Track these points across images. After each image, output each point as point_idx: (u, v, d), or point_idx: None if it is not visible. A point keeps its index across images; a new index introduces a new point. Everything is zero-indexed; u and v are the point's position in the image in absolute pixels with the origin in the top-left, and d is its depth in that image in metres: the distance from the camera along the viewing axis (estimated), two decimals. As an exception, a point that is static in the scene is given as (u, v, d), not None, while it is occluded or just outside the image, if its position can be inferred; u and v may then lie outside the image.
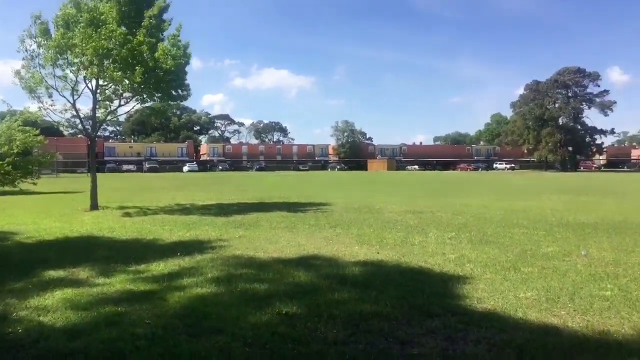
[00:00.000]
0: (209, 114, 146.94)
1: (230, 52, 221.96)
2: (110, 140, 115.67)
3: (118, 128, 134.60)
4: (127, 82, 14.10)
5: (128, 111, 17.52)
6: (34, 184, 28.54)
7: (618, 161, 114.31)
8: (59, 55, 14.35)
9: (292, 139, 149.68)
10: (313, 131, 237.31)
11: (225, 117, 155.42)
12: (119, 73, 13.65)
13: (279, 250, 8.49)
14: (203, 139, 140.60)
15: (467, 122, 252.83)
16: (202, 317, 4.96)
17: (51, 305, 5.43)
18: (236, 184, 37.77)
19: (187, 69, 15.45)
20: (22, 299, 5.68)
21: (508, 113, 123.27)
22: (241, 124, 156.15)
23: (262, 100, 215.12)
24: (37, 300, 5.62)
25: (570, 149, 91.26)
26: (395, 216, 13.11)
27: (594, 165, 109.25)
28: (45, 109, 15.13)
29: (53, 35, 14.39)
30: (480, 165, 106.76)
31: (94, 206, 15.59)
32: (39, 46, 14.61)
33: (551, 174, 67.15)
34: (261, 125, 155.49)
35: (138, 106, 16.67)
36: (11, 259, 7.98)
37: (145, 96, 16.10)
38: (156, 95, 15.69)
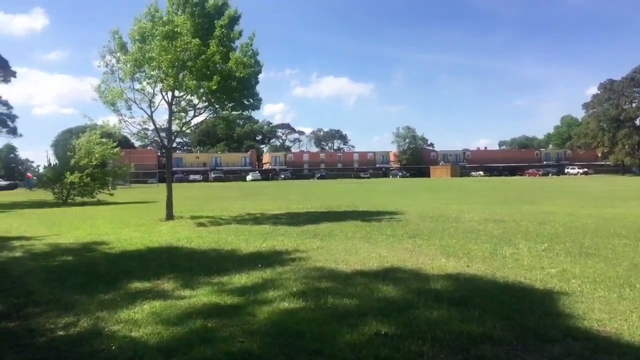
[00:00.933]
0: (271, 123, 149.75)
1: (290, 61, 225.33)
2: (177, 151, 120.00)
3: (185, 139, 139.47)
4: (202, 91, 14.30)
5: (201, 122, 17.78)
6: (111, 194, 29.90)
7: None
8: (136, 69, 14.80)
9: (353, 147, 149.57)
10: (372, 138, 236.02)
11: (286, 126, 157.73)
12: (194, 82, 13.87)
13: (361, 262, 8.15)
14: (265, 148, 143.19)
15: (533, 125, 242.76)
16: (295, 335, 4.69)
17: (141, 320, 5.35)
18: (301, 192, 37.88)
19: (259, 77, 15.51)
20: (112, 313, 5.65)
21: (579, 114, 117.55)
22: (301, 133, 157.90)
23: (322, 109, 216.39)
24: (126, 314, 5.57)
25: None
26: (476, 225, 12.44)
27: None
28: (124, 122, 15.66)
29: (130, 50, 14.87)
30: (551, 170, 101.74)
31: (169, 216, 15.91)
32: (117, 61, 15.16)
33: (630, 179, 62.92)
34: (321, 133, 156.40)
35: (211, 117, 16.89)
36: (98, 270, 8.09)
37: (217, 106, 16.34)
38: (228, 104, 15.84)
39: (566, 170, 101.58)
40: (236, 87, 14.68)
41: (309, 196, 31.17)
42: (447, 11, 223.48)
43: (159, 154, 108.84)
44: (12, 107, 59.06)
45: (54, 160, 34.88)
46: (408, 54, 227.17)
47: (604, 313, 5.11)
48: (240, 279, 7.12)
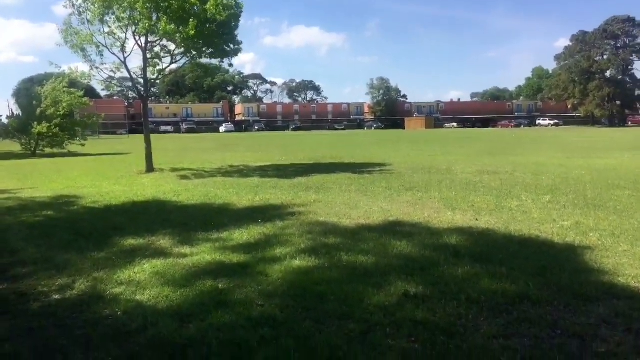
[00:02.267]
0: (242, 74, 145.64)
1: (260, 9, 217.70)
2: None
3: (153, 90, 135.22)
4: (178, 36, 13.33)
5: (179, 68, 16.79)
6: (82, 145, 28.72)
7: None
8: (106, 10, 13.66)
9: (326, 98, 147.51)
10: (345, 90, 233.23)
11: (258, 77, 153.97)
12: (172, 26, 12.89)
13: (364, 216, 7.82)
14: (236, 99, 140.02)
15: (504, 77, 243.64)
16: (317, 297, 4.34)
17: (144, 281, 4.92)
18: (279, 144, 37.22)
19: (239, 20, 14.55)
20: (110, 273, 5.20)
21: (550, 66, 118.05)
22: (273, 84, 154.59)
23: (294, 59, 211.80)
24: (126, 274, 5.14)
25: (618, 103, 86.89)
26: (471, 177, 12.23)
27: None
28: (95, 68, 14.59)
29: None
30: (523, 121, 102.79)
31: (150, 168, 15.24)
32: (85, 0, 13.96)
33: (602, 130, 64.13)
34: (294, 84, 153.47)
35: (188, 64, 15.95)
36: (84, 226, 7.55)
37: (195, 53, 15.37)
38: (207, 51, 14.91)
39: (537, 122, 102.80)
40: (215, 31, 13.76)
41: (289, 148, 30.59)
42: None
43: (126, 104, 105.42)
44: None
45: (16, 110, 33.14)
46: (381, 4, 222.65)
47: (635, 269, 4.90)
48: (242, 235, 6.71)
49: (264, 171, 15.22)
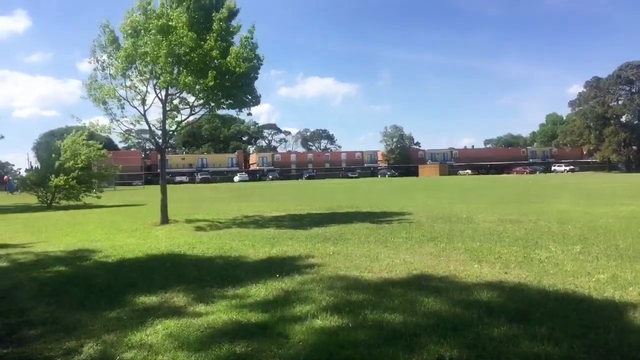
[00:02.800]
0: (257, 124, 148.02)
1: (276, 62, 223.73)
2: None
3: (170, 141, 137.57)
4: (198, 87, 13.48)
5: (197, 120, 16.93)
6: (98, 197, 28.83)
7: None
8: (128, 65, 13.93)
9: (340, 147, 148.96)
10: (358, 138, 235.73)
11: (272, 127, 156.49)
12: (191, 78, 13.04)
13: (386, 269, 7.47)
14: (251, 148, 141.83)
15: (517, 123, 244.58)
16: (345, 363, 3.98)
17: (157, 344, 4.60)
18: (293, 193, 37.10)
19: (258, 72, 14.74)
20: (121, 335, 4.89)
21: (563, 113, 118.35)
22: (288, 133, 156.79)
23: (308, 109, 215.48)
24: (138, 337, 4.82)
25: (634, 148, 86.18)
26: (494, 227, 11.84)
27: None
28: (116, 121, 14.75)
29: (122, 45, 14.00)
30: (538, 167, 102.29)
31: (165, 220, 15.08)
32: (109, 56, 14.28)
33: (619, 175, 63.27)
34: (308, 133, 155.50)
35: (206, 115, 16.07)
36: (96, 282, 7.30)
37: (213, 104, 15.50)
38: (225, 102, 15.04)
39: (553, 168, 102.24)
40: (235, 82, 13.90)
41: (304, 197, 30.41)
42: (430, 10, 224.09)
43: (143, 155, 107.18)
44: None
45: (35, 163, 33.65)
46: (393, 54, 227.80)
47: (690, 328, 4.49)
48: (259, 291, 6.39)
49: (280, 221, 14.97)
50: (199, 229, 13.75)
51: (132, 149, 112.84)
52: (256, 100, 15.53)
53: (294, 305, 5.68)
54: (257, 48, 14.47)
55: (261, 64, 14.62)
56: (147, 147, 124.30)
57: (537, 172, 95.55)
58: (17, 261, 9.38)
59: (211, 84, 13.47)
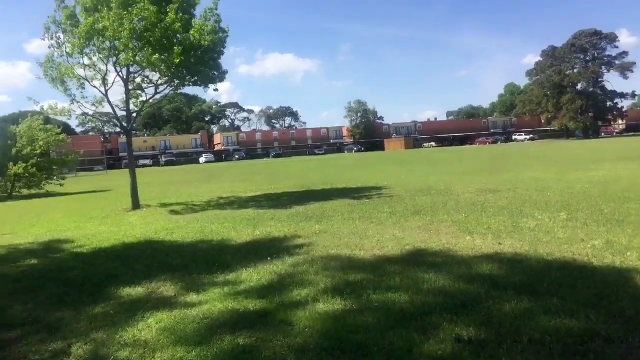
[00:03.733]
0: (219, 103, 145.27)
1: (235, 39, 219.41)
2: (121, 136, 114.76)
3: (124, 124, 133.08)
4: (163, 66, 12.80)
5: (162, 99, 16.19)
6: (61, 185, 27.69)
7: (639, 125, 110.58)
8: (87, 42, 13.11)
9: (304, 124, 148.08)
10: (321, 114, 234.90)
11: (235, 105, 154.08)
12: (157, 56, 12.37)
13: (378, 246, 7.29)
14: (215, 128, 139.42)
15: (477, 95, 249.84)
16: (358, 350, 3.77)
17: (152, 341, 4.29)
18: (264, 172, 36.60)
19: (225, 44, 14.11)
20: (111, 332, 4.55)
21: (522, 83, 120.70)
22: (251, 111, 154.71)
23: (269, 87, 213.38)
24: (130, 333, 4.49)
25: (591, 115, 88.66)
26: (474, 197, 11.83)
27: (615, 131, 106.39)
28: (77, 102, 13.93)
29: (80, 21, 13.14)
30: (499, 138, 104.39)
31: (136, 205, 14.51)
32: (65, 33, 13.39)
33: (579, 142, 65.15)
34: (271, 111, 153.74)
35: (172, 92, 15.39)
36: (74, 276, 6.86)
37: (177, 81, 14.82)
38: (191, 78, 14.40)
39: (514, 137, 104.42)
40: (200, 57, 13.28)
41: (275, 176, 30.01)
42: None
43: (102, 139, 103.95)
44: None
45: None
46: (352, 28, 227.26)
47: (698, 292, 4.46)
48: (251, 276, 6.11)
49: (257, 202, 14.62)
50: (174, 213, 13.29)
51: (91, 133, 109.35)
52: (222, 76, 14.94)
53: (291, 290, 5.43)
54: (222, 21, 13.84)
55: (227, 37, 13.99)
56: (106, 131, 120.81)
57: (499, 142, 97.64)
58: (-17, 257, 8.77)
59: (177, 61, 12.82)
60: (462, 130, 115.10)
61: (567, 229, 7.50)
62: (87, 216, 13.87)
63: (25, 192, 27.32)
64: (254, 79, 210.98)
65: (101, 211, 14.91)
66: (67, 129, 64.98)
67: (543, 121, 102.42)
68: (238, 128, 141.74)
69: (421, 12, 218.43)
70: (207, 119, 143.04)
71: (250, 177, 30.85)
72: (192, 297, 5.47)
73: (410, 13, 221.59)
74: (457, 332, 3.94)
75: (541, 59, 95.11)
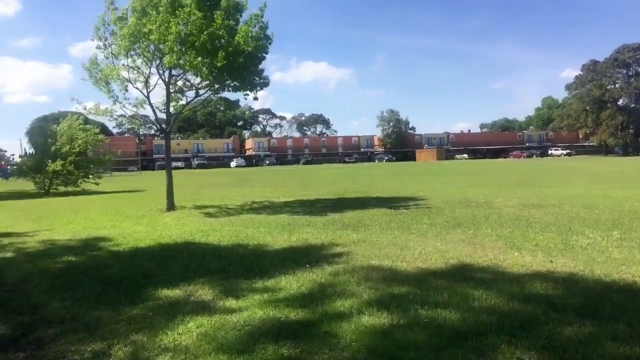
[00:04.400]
0: (252, 109, 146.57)
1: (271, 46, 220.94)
2: (155, 138, 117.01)
3: (164, 126, 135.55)
4: (205, 69, 12.82)
5: (202, 103, 16.31)
6: (97, 184, 28.20)
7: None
8: (133, 44, 13.27)
9: (335, 131, 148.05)
10: (352, 123, 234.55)
11: (267, 112, 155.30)
12: (200, 59, 12.39)
13: (420, 258, 7.02)
14: (246, 133, 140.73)
15: (511, 108, 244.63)
16: (413, 369, 3.54)
17: (193, 346, 4.15)
18: (295, 178, 36.55)
19: (267, 51, 14.08)
20: (151, 335, 4.43)
21: (559, 96, 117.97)
22: (282, 118, 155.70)
23: (302, 94, 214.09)
24: (170, 337, 4.37)
25: (632, 131, 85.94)
26: (517, 211, 11.41)
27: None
28: (119, 103, 14.12)
29: (128, 23, 13.32)
30: (535, 152, 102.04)
31: (171, 206, 14.55)
32: (112, 34, 13.61)
33: (619, 159, 63.14)
34: (303, 118, 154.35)
35: (212, 97, 15.43)
36: (112, 274, 6.81)
37: (217, 86, 14.83)
38: (232, 83, 14.40)
39: (549, 152, 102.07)
40: (243, 63, 13.27)
41: (307, 182, 29.90)
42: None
43: (137, 141, 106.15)
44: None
45: (29, 149, 32.80)
46: (387, 38, 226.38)
47: None
48: (290, 284, 5.94)
49: (291, 207, 14.49)
50: (208, 215, 13.26)
51: (126, 135, 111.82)
52: (264, 82, 14.90)
53: (333, 300, 5.23)
54: (267, 28, 13.81)
55: (270, 43, 13.96)
56: (141, 133, 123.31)
57: (534, 156, 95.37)
58: (23, 251, 8.86)
59: (219, 64, 12.82)
60: (496, 143, 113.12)
61: (622, 249, 7.08)
62: (122, 215, 13.97)
63: (62, 189, 27.92)
64: (287, 86, 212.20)
65: (136, 210, 15.03)
66: (104, 130, 66.46)
67: (581, 136, 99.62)
68: (269, 134, 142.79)
69: (457, 23, 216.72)
70: (239, 124, 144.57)
71: (282, 182, 30.83)
72: (231, 302, 5.33)
73: (446, 25, 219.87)
74: (517, 355, 3.68)
75: (581, 73, 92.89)
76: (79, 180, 28.01)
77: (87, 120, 31.46)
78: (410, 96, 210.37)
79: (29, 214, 15.98)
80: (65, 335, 4.56)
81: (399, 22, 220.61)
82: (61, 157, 26.81)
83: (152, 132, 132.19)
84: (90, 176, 28.78)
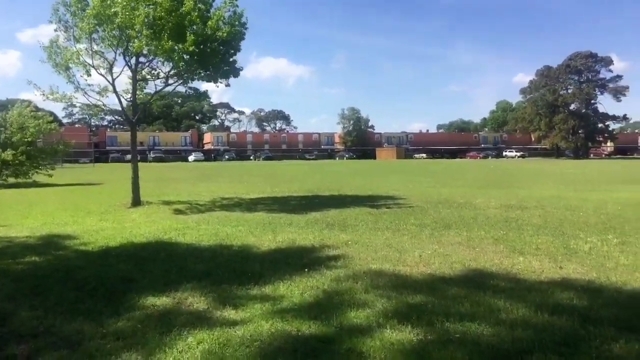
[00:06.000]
0: (211, 102, 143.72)
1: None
2: (108, 130, 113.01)
3: (117, 117, 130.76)
4: (176, 55, 11.99)
5: (171, 91, 15.38)
6: (50, 175, 26.59)
7: (627, 148, 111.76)
8: (97, 27, 12.29)
9: (295, 128, 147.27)
10: (311, 120, 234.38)
11: (226, 106, 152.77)
12: (171, 44, 11.55)
13: (423, 262, 6.61)
14: (204, 127, 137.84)
15: (466, 110, 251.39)
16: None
17: (199, 367, 3.55)
18: (259, 174, 35.73)
19: (244, 38, 13.34)
20: (146, 353, 3.83)
21: (513, 100, 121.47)
22: (242, 113, 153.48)
23: (261, 89, 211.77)
24: (170, 356, 3.78)
25: (582, 135, 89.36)
26: (503, 213, 11.22)
27: (604, 153, 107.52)
28: (81, 89, 13.08)
29: (90, 3, 12.33)
30: (490, 153, 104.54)
31: (137, 201, 13.66)
32: (73, 15, 12.56)
33: (570, 162, 65.44)
34: (262, 113, 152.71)
35: (177, 86, 14.57)
36: (85, 278, 6.06)
37: (186, 75, 14.00)
38: (203, 72, 13.61)
39: (504, 153, 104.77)
40: (216, 49, 12.52)
41: (273, 178, 29.22)
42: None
43: (89, 131, 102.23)
44: None
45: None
46: (347, 37, 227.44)
47: None
48: (291, 290, 5.41)
49: (264, 204, 13.86)
50: (178, 211, 12.47)
51: (77, 125, 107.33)
52: (237, 71, 14.17)
53: (344, 310, 4.73)
54: (242, 16, 13.09)
55: (246, 30, 13.24)
56: (92, 123, 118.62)
57: (490, 157, 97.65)
58: (-24, 249, 7.91)
59: (190, 49, 12.03)
60: (453, 143, 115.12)
61: (627, 254, 6.89)
62: (83, 210, 12.98)
63: (11, 180, 26.16)
64: (247, 80, 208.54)
65: (98, 205, 14.03)
66: (54, 119, 63.46)
67: (533, 139, 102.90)
68: (228, 128, 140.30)
69: (417, 25, 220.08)
70: (197, 117, 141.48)
71: (246, 178, 30.01)
72: (230, 313, 4.74)
73: (406, 26, 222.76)
74: (575, 379, 3.28)
75: (535, 78, 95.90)
76: (31, 172, 26.33)
77: (37, 109, 29.73)
78: (369, 95, 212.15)
79: (-22, 207, 14.68)
80: (42, 353, 3.90)
81: (359, 21, 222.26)
82: (11, 147, 25.10)
83: (105, 123, 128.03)
84: (42, 167, 27.09)
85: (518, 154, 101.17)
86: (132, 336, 4.17)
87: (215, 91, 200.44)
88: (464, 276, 5.91)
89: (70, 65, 12.82)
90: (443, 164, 60.73)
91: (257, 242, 8.18)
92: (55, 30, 12.91)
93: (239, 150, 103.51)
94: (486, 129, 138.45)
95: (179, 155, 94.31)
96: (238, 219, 10.83)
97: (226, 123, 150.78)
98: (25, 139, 25.86)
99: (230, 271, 6.26)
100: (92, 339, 4.13)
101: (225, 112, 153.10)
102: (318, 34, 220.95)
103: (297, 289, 5.45)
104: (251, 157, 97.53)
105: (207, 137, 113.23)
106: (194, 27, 12.54)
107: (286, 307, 4.90)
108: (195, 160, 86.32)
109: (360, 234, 8.72)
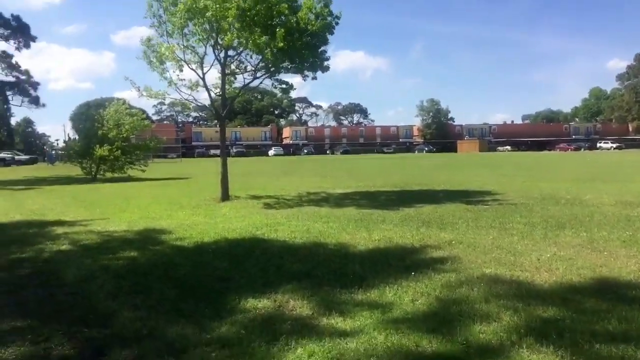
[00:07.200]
0: (290, 97, 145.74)
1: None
2: (193, 126, 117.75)
3: (200, 113, 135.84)
4: (268, 49, 11.81)
5: (258, 85, 15.35)
6: (143, 170, 27.88)
7: None
8: (188, 22, 12.41)
9: (372, 121, 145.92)
10: (388, 112, 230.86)
11: (304, 100, 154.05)
12: (263, 39, 11.41)
13: (544, 267, 5.86)
14: (283, 122, 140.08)
15: (553, 99, 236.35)
16: None
17: (315, 387, 3.15)
18: (341, 168, 35.50)
19: (334, 31, 12.96)
20: (255, 366, 3.47)
21: (608, 87, 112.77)
22: (319, 107, 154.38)
23: (338, 83, 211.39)
24: (281, 370, 3.40)
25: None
26: (620, 210, 10.01)
27: None
28: (174, 84, 13.32)
29: (181, -1, 12.47)
30: (583, 144, 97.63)
31: (225, 196, 13.74)
32: (165, 10, 12.79)
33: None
34: (339, 107, 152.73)
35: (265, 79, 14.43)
36: (183, 275, 5.95)
37: (273, 68, 13.82)
38: (292, 65, 13.39)
39: (598, 145, 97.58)
40: (309, 43, 12.23)
41: (355, 172, 28.85)
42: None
43: (176, 128, 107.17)
44: (32, 76, 57.50)
45: (73, 135, 32.73)
46: (424, 26, 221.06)
47: None
48: (400, 297, 4.92)
49: (352, 199, 13.46)
50: (267, 206, 12.37)
51: (165, 122, 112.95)
52: (324, 66, 13.82)
53: (466, 323, 4.17)
54: (332, 3, 12.69)
55: (337, 22, 12.84)
56: (179, 120, 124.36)
57: (582, 149, 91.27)
58: (79, 243, 8.11)
59: (280, 44, 11.81)
60: (540, 135, 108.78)
61: None
62: (176, 204, 13.24)
63: (108, 174, 27.68)
64: (324, 75, 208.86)
65: (189, 199, 14.30)
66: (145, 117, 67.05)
67: (631, 129, 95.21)
68: (305, 123, 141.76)
69: (497, 10, 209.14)
70: (276, 112, 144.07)
71: (329, 172, 29.83)
72: (337, 321, 4.34)
73: (486, 11, 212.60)
74: None
75: (634, 63, 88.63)
76: (125, 167, 27.74)
77: (130, 107, 31.26)
78: (447, 85, 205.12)
79: (79, 200, 15.49)
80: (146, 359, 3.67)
81: (437, 9, 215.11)
82: (108, 143, 26.53)
83: (190, 119, 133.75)
84: (136, 163, 28.46)
85: (614, 145, 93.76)
86: (238, 344, 3.87)
87: (294, 86, 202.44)
88: (597, 285, 5.14)
89: (164, 60, 13.06)
90: (532, 156, 57.45)
91: (351, 240, 7.76)
92: (151, 26, 13.26)
93: (317, 145, 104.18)
94: (576, 119, 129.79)
95: (259, 150, 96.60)
96: (328, 215, 10.49)
97: (304, 117, 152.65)
98: (121, 135, 27.23)
99: (329, 272, 5.88)
100: (196, 345, 3.88)
101: (303, 106, 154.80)
102: (394, 23, 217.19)
103: (406, 295, 4.95)
104: (328, 152, 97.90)
105: (286, 132, 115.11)
106: (283, 17, 12.34)
107: (398, 316, 4.42)
108: (275, 155, 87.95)
109: (462, 233, 8.04)
